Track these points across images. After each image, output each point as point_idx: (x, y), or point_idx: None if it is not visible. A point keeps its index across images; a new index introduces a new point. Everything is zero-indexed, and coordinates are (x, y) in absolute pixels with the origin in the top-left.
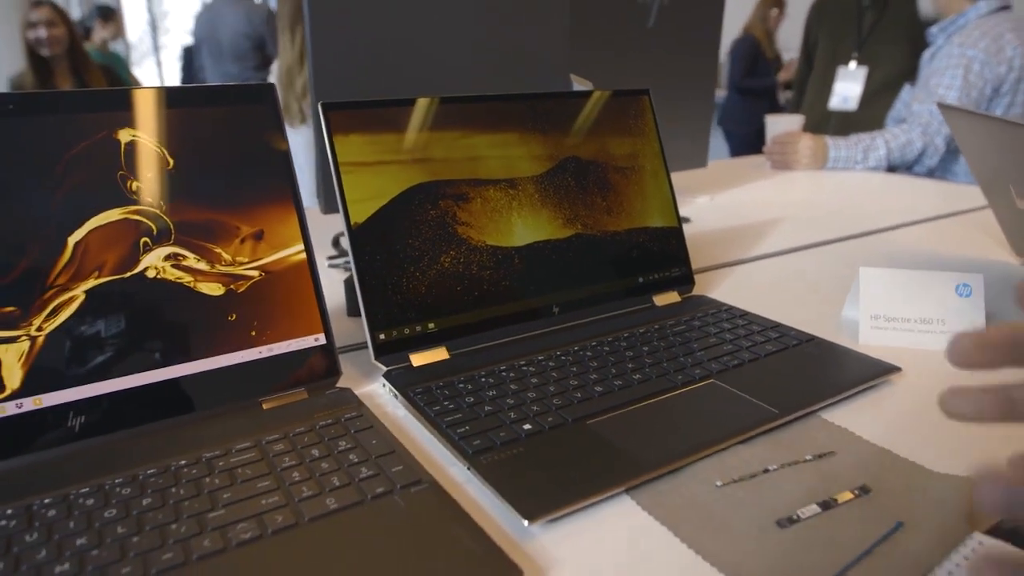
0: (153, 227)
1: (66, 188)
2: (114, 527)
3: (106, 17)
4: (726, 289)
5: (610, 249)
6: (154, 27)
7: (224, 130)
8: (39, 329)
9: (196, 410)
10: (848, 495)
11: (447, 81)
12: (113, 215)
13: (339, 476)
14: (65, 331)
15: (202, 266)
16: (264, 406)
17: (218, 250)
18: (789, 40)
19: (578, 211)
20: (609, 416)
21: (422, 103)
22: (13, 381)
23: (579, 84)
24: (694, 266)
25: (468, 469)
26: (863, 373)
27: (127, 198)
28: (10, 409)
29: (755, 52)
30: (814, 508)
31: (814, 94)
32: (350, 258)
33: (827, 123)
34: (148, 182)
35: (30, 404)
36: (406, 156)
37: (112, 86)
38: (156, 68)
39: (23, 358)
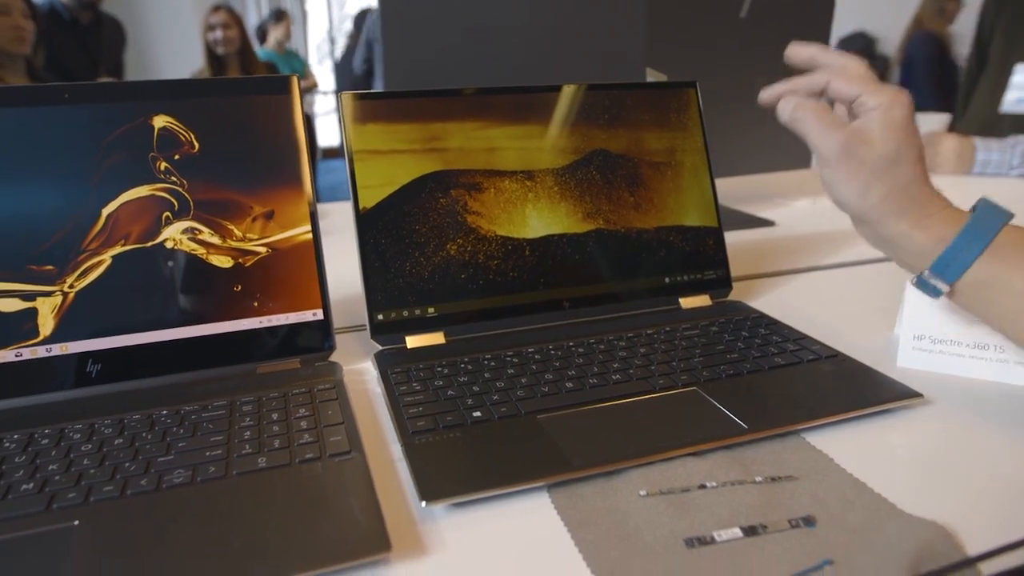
0: (175, 203)
1: (105, 166)
2: (82, 459)
3: (278, 19)
4: (777, 296)
5: (634, 246)
6: (332, 31)
7: (246, 117)
8: (71, 286)
9: (197, 368)
10: (784, 524)
11: (517, 74)
12: (142, 191)
13: (281, 440)
14: (92, 290)
15: (215, 240)
16: (259, 371)
17: (231, 226)
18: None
19: (601, 206)
20: (564, 413)
21: (441, 94)
22: (46, 329)
23: (653, 78)
24: (759, 270)
25: (402, 447)
26: (874, 397)
27: (156, 176)
28: (41, 352)
29: (939, 49)
30: (735, 532)
31: (985, 94)
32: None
33: (998, 127)
34: (175, 163)
35: (57, 350)
36: (421, 146)
37: None
38: (332, 66)
39: (55, 310)
